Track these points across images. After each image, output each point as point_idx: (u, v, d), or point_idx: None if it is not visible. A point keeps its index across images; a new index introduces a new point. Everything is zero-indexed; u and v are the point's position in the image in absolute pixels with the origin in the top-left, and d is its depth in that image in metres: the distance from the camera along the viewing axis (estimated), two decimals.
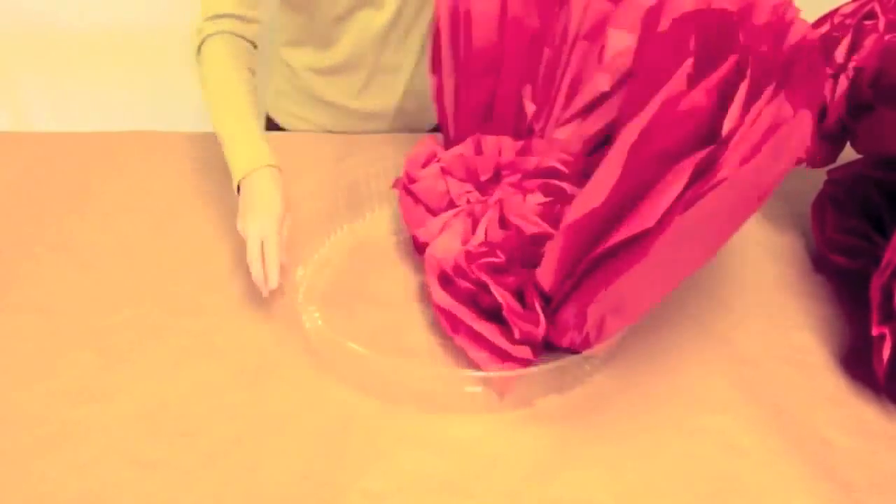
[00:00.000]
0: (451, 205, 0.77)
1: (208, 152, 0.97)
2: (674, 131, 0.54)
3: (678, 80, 0.53)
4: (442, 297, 0.67)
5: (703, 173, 0.52)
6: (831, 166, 0.82)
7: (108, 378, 0.66)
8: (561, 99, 0.80)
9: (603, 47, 0.76)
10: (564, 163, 0.78)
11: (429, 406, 0.63)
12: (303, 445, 0.60)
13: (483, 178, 0.79)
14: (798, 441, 0.61)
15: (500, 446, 0.60)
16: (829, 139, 0.80)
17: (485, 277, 0.66)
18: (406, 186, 0.78)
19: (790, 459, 0.59)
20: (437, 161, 0.79)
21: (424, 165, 0.79)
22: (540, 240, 0.70)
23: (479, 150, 0.79)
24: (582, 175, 0.77)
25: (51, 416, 0.62)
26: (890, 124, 0.71)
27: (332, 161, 0.94)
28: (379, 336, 0.70)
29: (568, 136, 0.80)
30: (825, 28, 0.80)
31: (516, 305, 0.65)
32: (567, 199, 0.74)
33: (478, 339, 0.65)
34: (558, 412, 0.63)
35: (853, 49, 0.75)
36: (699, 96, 0.53)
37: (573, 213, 0.57)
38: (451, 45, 0.78)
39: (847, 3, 0.79)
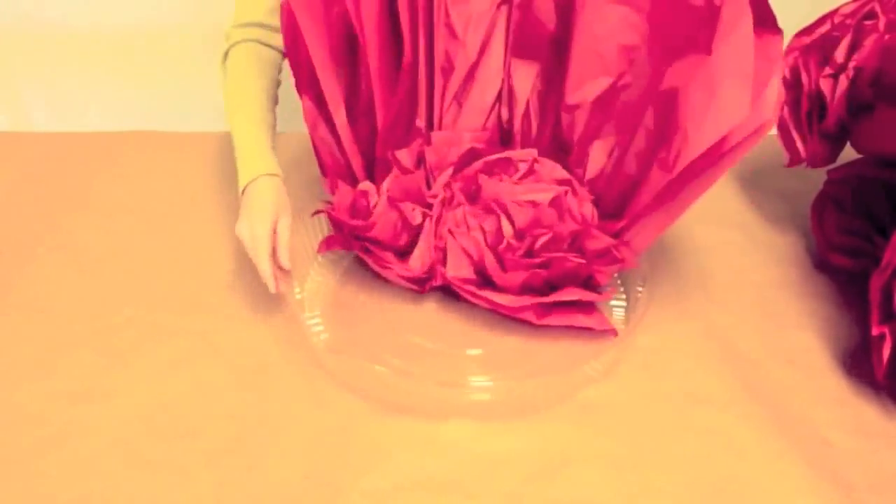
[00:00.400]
0: (407, 227, 0.74)
1: (208, 152, 0.97)
2: None
3: None
4: (510, 299, 0.69)
5: None
6: (831, 166, 0.82)
7: (108, 378, 0.66)
8: (438, 87, 0.79)
9: (449, 25, 0.76)
10: (478, 140, 0.79)
11: (437, 414, 0.62)
12: (303, 445, 0.60)
13: (424, 190, 0.78)
14: (798, 441, 0.61)
15: (501, 446, 0.60)
16: (829, 139, 0.80)
17: (550, 255, 0.68)
18: (361, 236, 0.73)
19: (790, 459, 0.59)
20: (379, 196, 0.75)
21: (359, 211, 0.74)
22: (557, 203, 0.72)
23: (403, 170, 0.78)
24: (499, 143, 0.80)
25: (51, 416, 0.62)
26: (890, 124, 0.71)
27: None
28: (382, 341, 0.70)
29: (456, 117, 0.80)
30: (825, 28, 0.80)
31: (588, 258, 0.69)
32: (509, 165, 0.77)
33: (569, 310, 0.69)
34: (558, 413, 0.63)
35: (853, 49, 0.75)
36: None
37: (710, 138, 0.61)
38: (335, 80, 0.72)
39: (847, 3, 0.79)
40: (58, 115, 1.47)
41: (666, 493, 0.57)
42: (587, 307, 0.70)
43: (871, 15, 0.76)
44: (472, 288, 0.70)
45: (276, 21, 0.77)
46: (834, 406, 0.64)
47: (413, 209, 0.75)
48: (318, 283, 0.76)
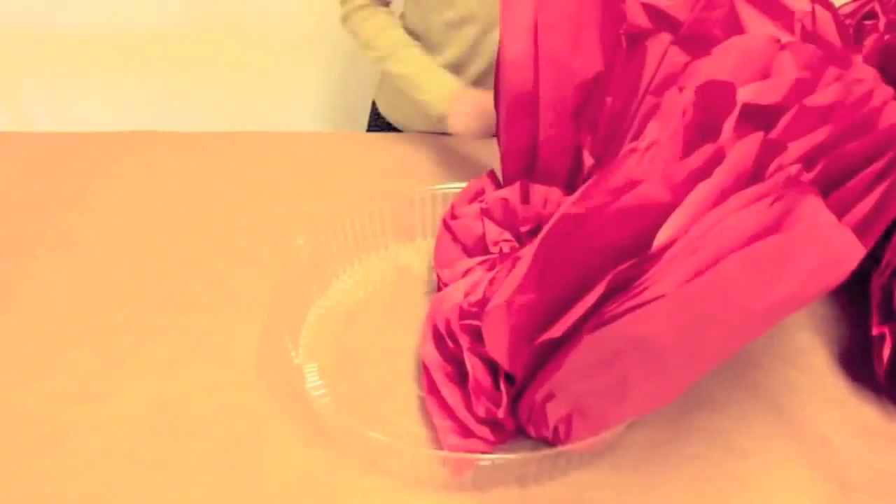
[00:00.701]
0: (486, 250, 0.72)
1: (207, 152, 0.97)
2: (621, 227, 0.46)
3: (629, 167, 0.47)
4: (428, 351, 0.62)
5: (622, 289, 0.45)
6: None
7: (108, 378, 0.66)
8: (625, 148, 0.72)
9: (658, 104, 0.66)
10: None
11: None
12: (303, 444, 0.60)
13: (524, 228, 0.73)
14: (798, 441, 0.61)
15: (500, 447, 0.60)
16: None
17: (463, 341, 0.60)
18: (446, 221, 0.73)
19: (790, 459, 0.59)
20: (481, 201, 0.73)
21: (471, 202, 0.74)
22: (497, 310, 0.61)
23: (525, 198, 0.73)
24: None
25: (51, 416, 0.62)
26: None
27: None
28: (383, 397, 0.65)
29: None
30: None
31: (486, 380, 0.58)
32: None
33: (446, 405, 0.59)
34: None
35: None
36: (656, 191, 0.45)
37: (501, 296, 0.53)
38: (495, 84, 0.72)
39: (847, 3, 0.79)
40: (58, 115, 1.48)
41: (666, 492, 0.57)
42: (465, 427, 0.59)
43: (871, 15, 0.76)
44: (430, 325, 0.65)
45: None
46: (834, 406, 0.64)
47: (506, 240, 0.71)
48: (316, 333, 0.71)
